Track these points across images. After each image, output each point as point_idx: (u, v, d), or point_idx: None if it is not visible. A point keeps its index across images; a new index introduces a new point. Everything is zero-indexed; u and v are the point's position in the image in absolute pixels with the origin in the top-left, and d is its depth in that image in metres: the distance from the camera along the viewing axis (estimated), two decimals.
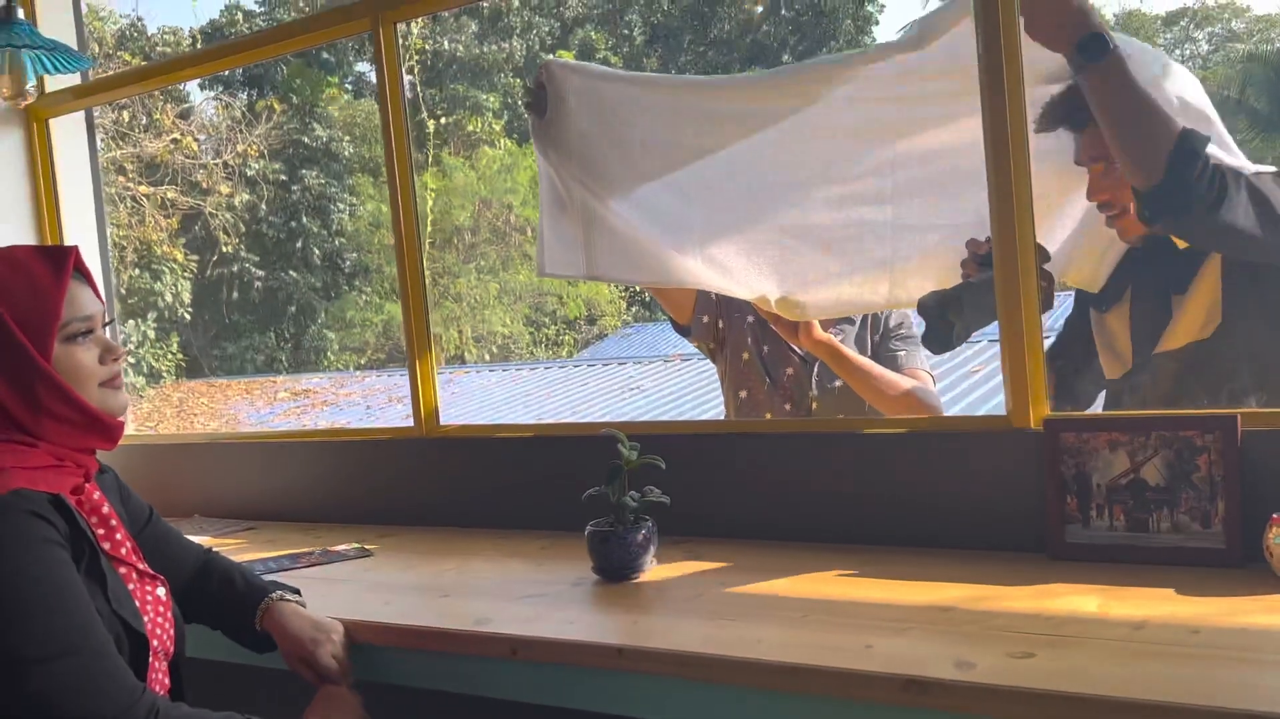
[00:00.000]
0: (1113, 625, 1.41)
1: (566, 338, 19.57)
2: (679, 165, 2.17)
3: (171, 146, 13.96)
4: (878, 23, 22.88)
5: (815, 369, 2.48)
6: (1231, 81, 20.92)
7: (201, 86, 19.10)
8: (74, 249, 1.54)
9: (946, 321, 2.07)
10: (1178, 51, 24.66)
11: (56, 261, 1.51)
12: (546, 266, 2.21)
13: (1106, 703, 1.17)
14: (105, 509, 1.56)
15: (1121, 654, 1.30)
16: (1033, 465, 1.78)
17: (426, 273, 2.44)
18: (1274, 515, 1.53)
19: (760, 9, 21.04)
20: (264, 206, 17.23)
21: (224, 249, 16.40)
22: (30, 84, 2.56)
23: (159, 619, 1.56)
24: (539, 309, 19.19)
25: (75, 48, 2.92)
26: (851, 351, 2.38)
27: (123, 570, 1.53)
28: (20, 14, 2.56)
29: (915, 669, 1.30)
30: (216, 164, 15.27)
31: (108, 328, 1.60)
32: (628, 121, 2.17)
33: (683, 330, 2.67)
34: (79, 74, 2.94)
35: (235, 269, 17.40)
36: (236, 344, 18.43)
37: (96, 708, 1.34)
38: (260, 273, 17.89)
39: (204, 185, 15.25)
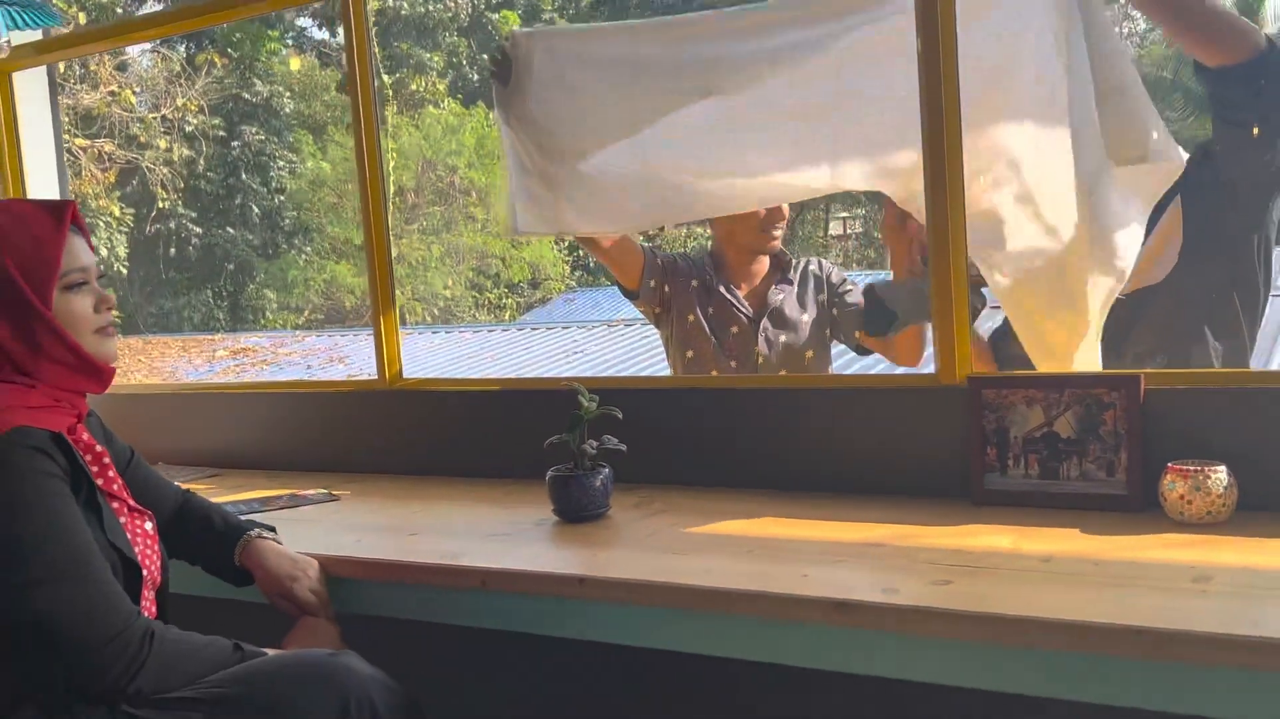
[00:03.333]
0: (1023, 558, 1.58)
1: (509, 301, 19.58)
2: (637, 129, 2.29)
3: (109, 99, 13.69)
4: None
5: (761, 327, 2.64)
6: (1167, 61, 21.42)
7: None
8: (72, 204, 1.64)
9: (888, 311, 2.24)
10: (1117, 30, 25.14)
11: (56, 215, 1.61)
12: (519, 226, 2.34)
13: (1011, 620, 1.34)
14: (98, 448, 1.66)
15: (1029, 582, 1.47)
16: (957, 419, 1.95)
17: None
18: (1169, 465, 1.72)
19: None
20: (202, 162, 16.97)
21: (161, 204, 16.16)
22: (4, 38, 2.62)
23: (148, 551, 1.67)
24: (482, 272, 19.16)
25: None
26: None
27: (115, 505, 1.64)
28: None
29: (845, 594, 1.46)
30: (154, 118, 15.00)
31: (101, 280, 1.70)
32: (587, 88, 2.28)
33: (630, 295, 2.81)
34: (42, 30, 2.98)
35: (173, 225, 17.16)
36: (174, 301, 18.19)
37: (98, 628, 1.45)
38: (198, 229, 17.65)
39: (141, 139, 14.99)
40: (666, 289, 2.74)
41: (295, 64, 18.93)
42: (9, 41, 2.67)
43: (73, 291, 1.62)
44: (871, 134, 2.20)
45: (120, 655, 1.45)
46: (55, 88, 3.16)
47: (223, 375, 13.45)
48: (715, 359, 2.66)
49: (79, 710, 1.46)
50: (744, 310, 2.67)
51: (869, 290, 2.39)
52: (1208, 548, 1.56)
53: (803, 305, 2.69)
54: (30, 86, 3.08)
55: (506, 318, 18.71)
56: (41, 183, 3.09)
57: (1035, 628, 1.33)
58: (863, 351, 2.72)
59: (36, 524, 1.45)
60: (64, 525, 1.48)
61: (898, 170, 2.21)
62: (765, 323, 2.65)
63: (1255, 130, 2.01)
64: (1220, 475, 1.67)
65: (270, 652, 1.63)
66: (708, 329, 2.68)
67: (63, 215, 1.61)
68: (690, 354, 2.69)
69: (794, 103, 2.21)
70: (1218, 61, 2.02)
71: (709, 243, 2.91)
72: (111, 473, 1.67)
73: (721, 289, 2.70)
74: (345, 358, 13.36)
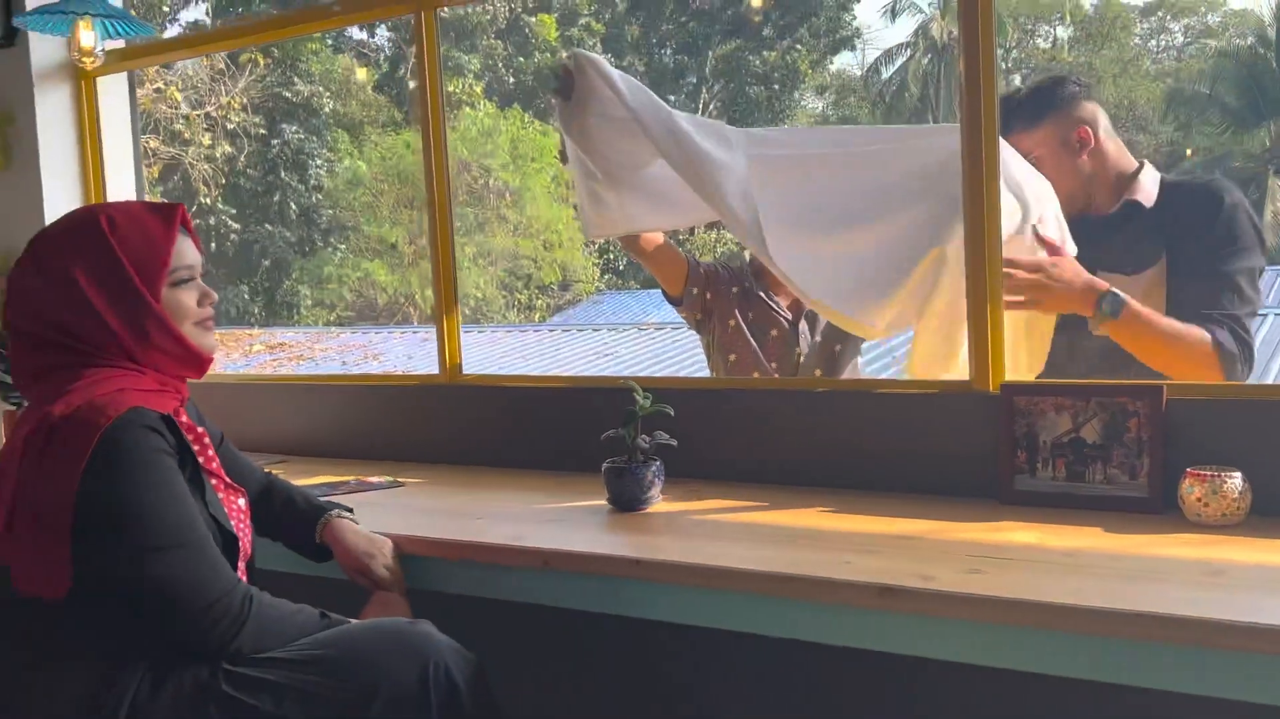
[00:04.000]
0: (1049, 552, 1.71)
1: (539, 303, 19.78)
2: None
3: (154, 95, 13.97)
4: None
5: (800, 328, 2.78)
6: (1204, 76, 21.39)
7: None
8: (180, 207, 1.79)
9: None
10: (1153, 42, 25.11)
11: (166, 217, 1.76)
12: (591, 230, 2.50)
13: (1037, 605, 1.47)
14: (198, 428, 1.81)
15: (1054, 572, 1.60)
16: (990, 424, 2.07)
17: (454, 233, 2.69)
18: (1188, 470, 1.84)
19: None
20: (243, 159, 17.26)
21: (202, 200, 16.44)
22: (100, 47, 2.79)
23: (241, 525, 1.82)
24: (513, 273, 19.37)
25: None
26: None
27: (214, 482, 1.79)
28: None
29: (886, 579, 1.58)
30: (198, 115, 15.28)
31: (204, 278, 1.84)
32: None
33: (674, 301, 2.95)
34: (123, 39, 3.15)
35: (212, 221, 17.45)
36: None
37: (204, 592, 1.59)
38: (236, 225, 17.95)
39: (185, 136, 15.27)
40: (708, 296, 2.88)
41: (363, 74, 19.25)
42: (103, 50, 2.83)
43: (179, 287, 1.76)
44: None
45: (223, 617, 1.60)
46: (135, 93, 3.34)
47: (259, 369, 13.70)
48: (756, 362, 2.80)
49: (184, 669, 1.61)
50: (783, 314, 2.81)
51: None
52: (1222, 546, 1.68)
53: (812, 328, 2.84)
54: (112, 91, 3.26)
55: (536, 319, 18.91)
56: (121, 183, 3.26)
57: (1060, 613, 1.45)
58: None
59: (152, 495, 1.59)
60: (176, 497, 1.62)
61: None
62: (803, 325, 2.79)
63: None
64: (1235, 480, 1.79)
65: (353, 621, 1.78)
66: (748, 333, 2.82)
67: (173, 217, 1.77)
68: (733, 358, 2.83)
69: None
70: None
71: (739, 248, 3.07)
72: (211, 452, 1.82)
73: (761, 294, 2.84)
74: (380, 355, 13.57)
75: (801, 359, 2.78)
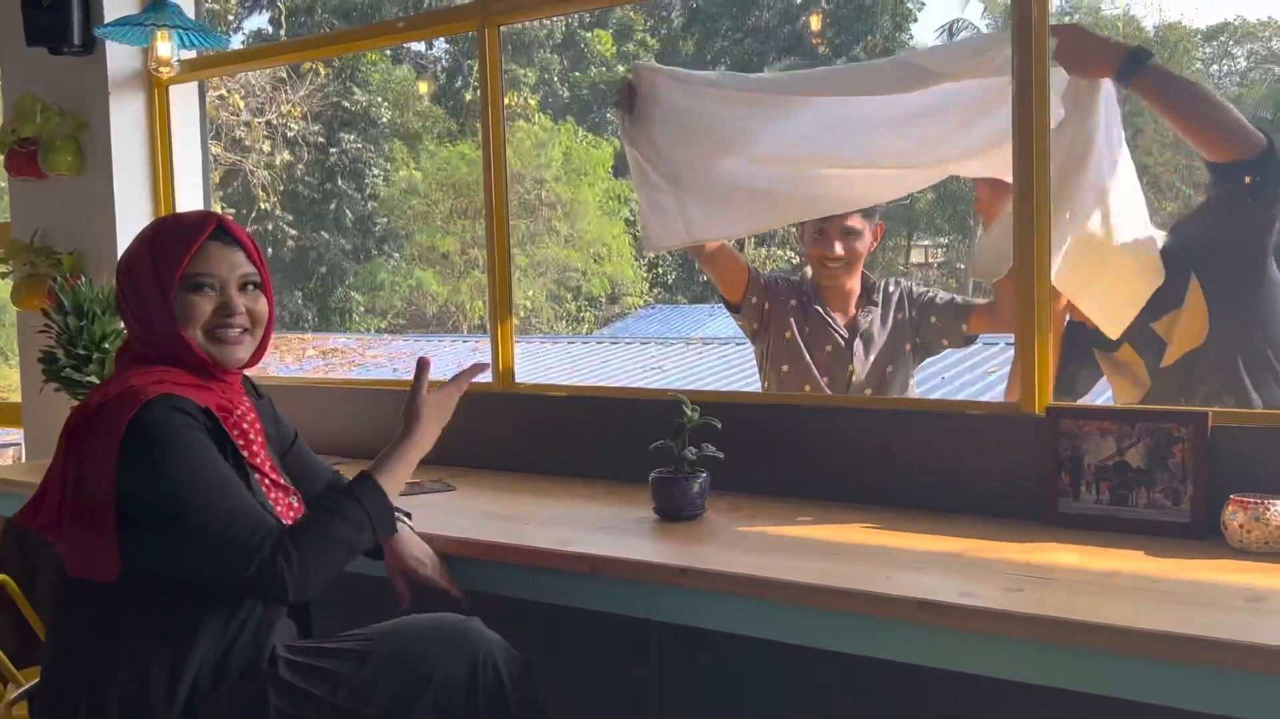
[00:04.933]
0: (1089, 573, 1.73)
1: (587, 314, 19.89)
2: (755, 145, 2.51)
3: (217, 102, 14.26)
4: (916, 19, 23.03)
5: (855, 346, 2.81)
6: (1266, 101, 21.08)
7: (244, 44, 19.44)
8: (217, 216, 1.83)
9: None
10: (1215, 67, 24.77)
11: (199, 221, 1.82)
12: (650, 241, 2.56)
13: (1076, 624, 1.49)
14: (246, 424, 1.84)
15: (1093, 593, 1.62)
16: (1035, 446, 2.09)
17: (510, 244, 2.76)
18: (1232, 497, 1.85)
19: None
20: (301, 167, 17.57)
21: (261, 206, 16.75)
22: (177, 58, 2.90)
23: (288, 521, 1.86)
24: (562, 284, 19.50)
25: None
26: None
27: (257, 476, 1.82)
28: None
29: (928, 594, 1.61)
30: (259, 123, 15.57)
31: (249, 288, 1.84)
32: (706, 108, 2.49)
33: (733, 308, 3.00)
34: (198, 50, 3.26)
35: (270, 227, 17.77)
36: None
37: (241, 541, 1.63)
38: (293, 232, 18.27)
39: (246, 143, 15.56)
40: (766, 306, 2.92)
41: (424, 88, 19.55)
42: (179, 60, 2.94)
43: (193, 292, 1.78)
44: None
45: (264, 569, 1.61)
46: (205, 102, 3.45)
47: (312, 374, 13.91)
48: (807, 376, 2.83)
49: (245, 655, 1.67)
50: (839, 332, 2.84)
51: None
52: (1264, 574, 1.69)
53: (885, 324, 2.87)
54: (183, 100, 3.37)
55: (584, 330, 19.01)
56: (190, 189, 3.36)
57: (1099, 633, 1.48)
58: (968, 342, 2.87)
59: (181, 457, 1.64)
60: (207, 461, 1.67)
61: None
62: (857, 344, 2.82)
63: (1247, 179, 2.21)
64: (1279, 508, 1.80)
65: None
66: (803, 347, 2.86)
67: (204, 222, 1.81)
68: (786, 369, 2.87)
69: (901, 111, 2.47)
70: (1222, 158, 2.22)
71: (796, 263, 3.12)
72: (257, 448, 1.85)
73: (819, 309, 2.87)
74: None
75: (854, 378, 2.81)
